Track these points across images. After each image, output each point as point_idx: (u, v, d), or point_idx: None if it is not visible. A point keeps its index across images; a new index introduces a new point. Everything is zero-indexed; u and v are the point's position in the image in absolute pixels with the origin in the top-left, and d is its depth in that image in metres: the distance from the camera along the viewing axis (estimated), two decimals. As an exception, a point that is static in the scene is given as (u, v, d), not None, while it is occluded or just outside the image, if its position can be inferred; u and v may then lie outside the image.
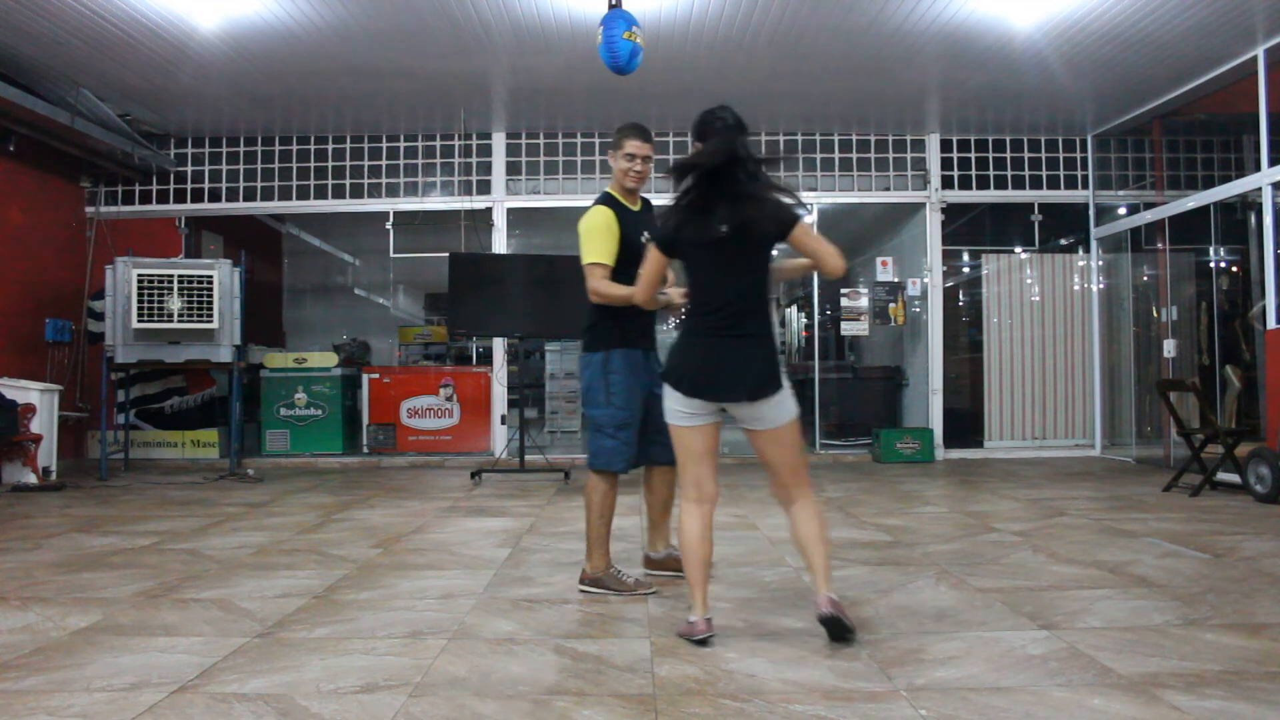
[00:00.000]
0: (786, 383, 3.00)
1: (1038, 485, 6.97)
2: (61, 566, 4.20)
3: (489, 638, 3.03)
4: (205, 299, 7.77)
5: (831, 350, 11.76)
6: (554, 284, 7.77)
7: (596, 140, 9.27)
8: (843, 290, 9.45)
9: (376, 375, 9.42)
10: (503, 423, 9.31)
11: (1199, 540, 4.60)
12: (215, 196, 9.39)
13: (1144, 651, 2.80)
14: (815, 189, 9.24)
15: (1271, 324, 6.84)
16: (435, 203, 9.34)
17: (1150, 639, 2.93)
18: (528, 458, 7.82)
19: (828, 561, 2.97)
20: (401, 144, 9.35)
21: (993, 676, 2.60)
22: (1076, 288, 9.57)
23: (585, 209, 3.68)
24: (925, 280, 9.45)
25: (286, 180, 9.33)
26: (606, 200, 3.69)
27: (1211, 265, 8.70)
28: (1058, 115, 8.71)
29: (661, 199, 3.47)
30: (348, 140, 9.32)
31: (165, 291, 7.70)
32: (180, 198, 9.37)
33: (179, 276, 7.74)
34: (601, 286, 3.56)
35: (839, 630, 2.88)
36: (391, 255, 9.37)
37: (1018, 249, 9.67)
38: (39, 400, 7.29)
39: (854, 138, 9.30)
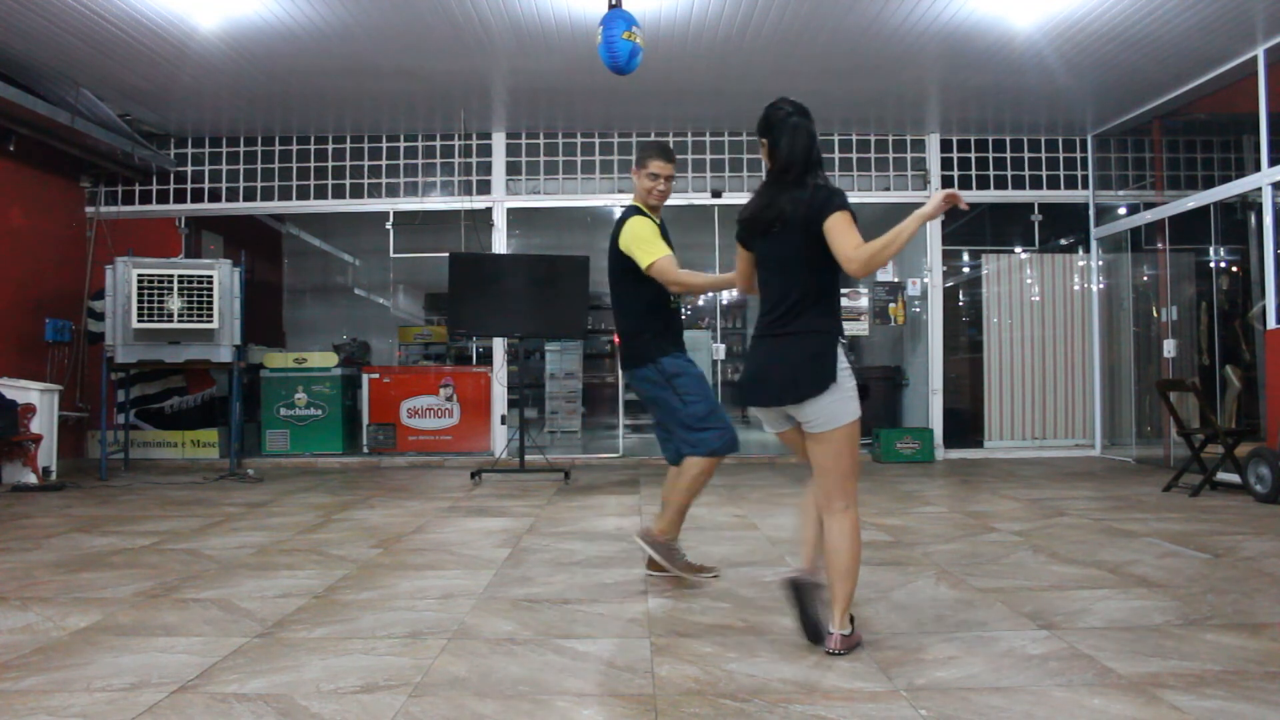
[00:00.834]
0: (843, 385, 2.80)
1: (1038, 485, 6.97)
2: (61, 566, 4.20)
3: (489, 638, 3.03)
4: (205, 299, 7.77)
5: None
6: (554, 284, 7.77)
7: (596, 140, 9.24)
8: (842, 290, 9.43)
9: (376, 375, 9.42)
10: (503, 423, 9.31)
11: (1199, 540, 4.60)
12: (215, 196, 9.39)
13: (1144, 651, 2.80)
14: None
15: (1271, 324, 6.84)
16: (435, 203, 9.34)
17: (1150, 639, 2.93)
18: (528, 458, 7.82)
19: (845, 595, 2.76)
20: (401, 144, 9.35)
21: (992, 676, 2.60)
22: (1076, 288, 9.57)
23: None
24: (925, 280, 9.45)
25: (286, 180, 9.34)
26: (638, 211, 3.78)
27: (1211, 265, 8.69)
28: (1058, 115, 8.71)
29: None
30: (348, 140, 9.32)
31: (165, 291, 7.70)
32: (180, 198, 9.37)
33: (179, 276, 7.73)
34: (683, 276, 3.63)
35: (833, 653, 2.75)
36: (391, 255, 9.37)
37: (1018, 249, 9.67)
38: (39, 400, 7.29)
39: (854, 137, 9.30)
